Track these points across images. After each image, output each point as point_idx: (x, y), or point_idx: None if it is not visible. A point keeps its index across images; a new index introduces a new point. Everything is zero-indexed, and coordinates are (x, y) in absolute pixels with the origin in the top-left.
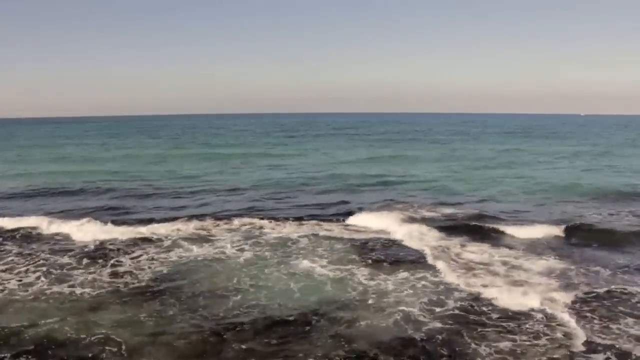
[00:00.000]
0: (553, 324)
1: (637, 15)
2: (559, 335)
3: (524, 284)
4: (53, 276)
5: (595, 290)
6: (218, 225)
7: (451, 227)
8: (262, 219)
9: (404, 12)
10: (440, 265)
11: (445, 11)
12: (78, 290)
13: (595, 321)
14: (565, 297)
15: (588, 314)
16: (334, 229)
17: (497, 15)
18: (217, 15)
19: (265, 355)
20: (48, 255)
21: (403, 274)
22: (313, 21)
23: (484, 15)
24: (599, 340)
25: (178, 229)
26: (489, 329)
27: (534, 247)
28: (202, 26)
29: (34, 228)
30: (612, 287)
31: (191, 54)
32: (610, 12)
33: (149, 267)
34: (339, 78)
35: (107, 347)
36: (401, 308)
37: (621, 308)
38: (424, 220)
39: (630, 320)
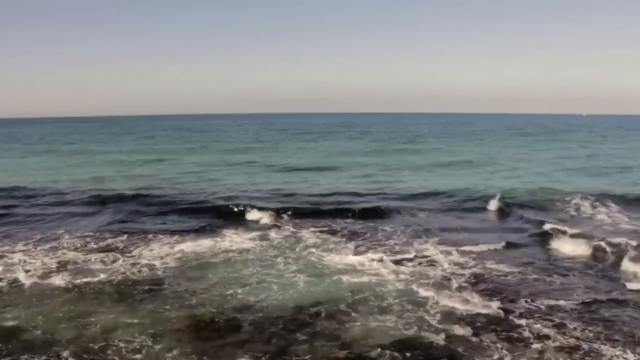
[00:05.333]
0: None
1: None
2: None
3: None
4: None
5: None
6: (221, 224)
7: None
8: (272, 214)
9: (403, 10)
10: (442, 261)
11: (445, 10)
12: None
13: None
14: None
15: None
16: (333, 225)
17: (497, 15)
18: (218, 14)
19: (266, 354)
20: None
21: (407, 268)
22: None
23: (484, 15)
24: None
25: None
26: (491, 328)
27: None
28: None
29: None
30: None
31: (190, 53)
32: (612, 11)
33: (146, 265)
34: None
35: (106, 346)
36: (403, 306)
37: None
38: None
39: None
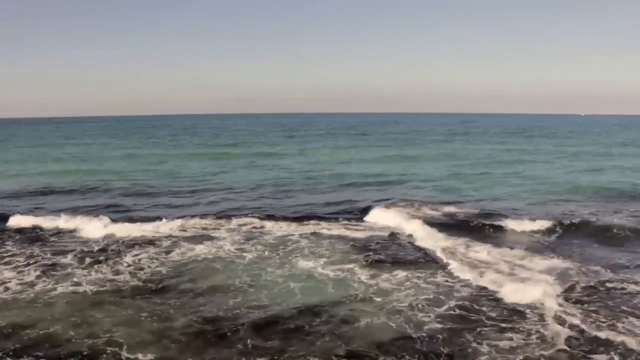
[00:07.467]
0: (555, 322)
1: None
2: (560, 332)
3: (526, 281)
4: (55, 274)
5: (595, 287)
6: (220, 224)
7: (453, 225)
8: (262, 218)
9: (402, 9)
10: (442, 262)
11: (443, 10)
12: (80, 289)
13: (600, 319)
14: (567, 295)
15: (591, 313)
16: (335, 228)
17: (496, 14)
18: (215, 12)
19: (265, 354)
20: (50, 255)
21: (404, 273)
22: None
23: (483, 14)
24: (603, 337)
25: (179, 228)
26: (490, 328)
27: (535, 246)
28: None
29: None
30: (613, 284)
31: (189, 53)
32: (611, 10)
33: (150, 266)
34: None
35: (107, 347)
36: (403, 307)
37: (623, 307)
38: (426, 218)
39: (632, 319)
